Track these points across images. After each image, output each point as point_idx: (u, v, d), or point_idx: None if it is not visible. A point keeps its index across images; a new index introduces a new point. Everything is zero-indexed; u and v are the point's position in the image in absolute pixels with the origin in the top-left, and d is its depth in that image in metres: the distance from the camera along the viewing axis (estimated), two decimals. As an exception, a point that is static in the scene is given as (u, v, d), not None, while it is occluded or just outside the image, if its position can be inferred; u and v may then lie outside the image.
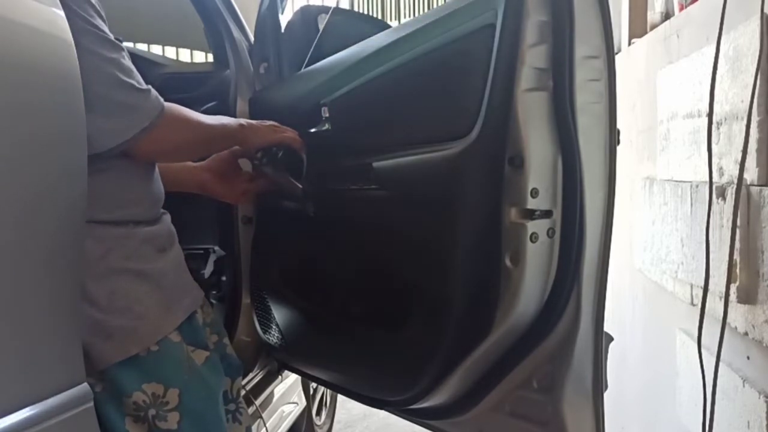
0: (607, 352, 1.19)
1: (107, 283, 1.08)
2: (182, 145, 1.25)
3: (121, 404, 1.09)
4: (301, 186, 1.43)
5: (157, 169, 1.24)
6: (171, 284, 1.17)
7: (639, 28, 2.63)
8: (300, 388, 2.43)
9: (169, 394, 1.12)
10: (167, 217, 1.24)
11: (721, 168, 1.47)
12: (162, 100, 1.15)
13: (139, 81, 1.11)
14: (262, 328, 1.74)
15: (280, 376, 2.11)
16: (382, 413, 1.98)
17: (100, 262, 1.07)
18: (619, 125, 1.15)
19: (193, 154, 1.40)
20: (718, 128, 1.48)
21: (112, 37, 1.09)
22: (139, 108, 1.10)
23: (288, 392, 2.29)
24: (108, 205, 1.10)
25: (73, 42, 0.95)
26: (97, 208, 1.06)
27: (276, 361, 1.80)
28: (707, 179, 1.43)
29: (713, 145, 1.44)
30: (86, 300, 1.04)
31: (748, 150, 1.32)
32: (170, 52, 3.48)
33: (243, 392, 1.37)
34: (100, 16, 1.08)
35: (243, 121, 1.45)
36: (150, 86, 1.13)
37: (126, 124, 1.09)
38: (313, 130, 1.47)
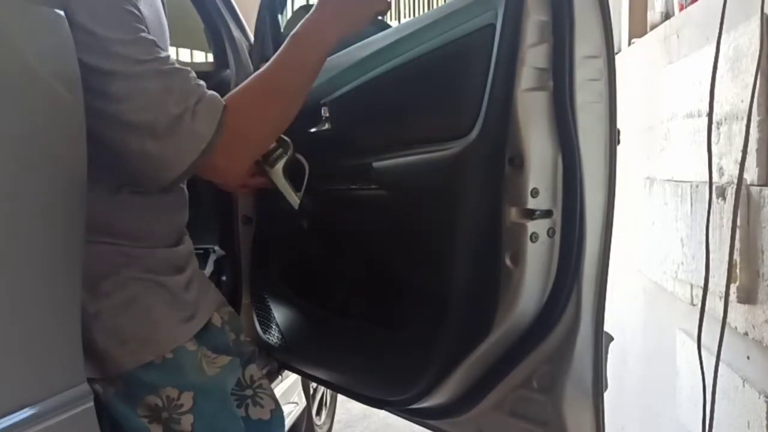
0: (607, 352, 1.19)
1: (125, 291, 1.08)
2: (268, 123, 1.14)
3: (135, 406, 1.09)
4: (298, 200, 1.40)
5: (186, 197, 1.23)
6: (188, 295, 1.17)
7: (639, 28, 2.64)
8: (300, 388, 2.43)
9: (183, 397, 1.11)
10: (188, 238, 1.24)
11: (721, 168, 1.47)
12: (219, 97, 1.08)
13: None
14: (262, 328, 1.74)
15: (280, 376, 2.11)
16: (382, 413, 1.98)
17: (119, 271, 1.08)
18: (619, 125, 1.15)
19: (289, 116, 1.16)
20: (718, 128, 1.48)
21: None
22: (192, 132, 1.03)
23: (288, 392, 2.29)
24: (133, 236, 1.11)
25: (73, 43, 0.95)
26: (121, 237, 1.09)
27: (276, 361, 1.79)
28: (707, 179, 1.44)
29: (713, 145, 1.44)
30: (103, 306, 1.05)
31: (748, 150, 1.32)
32: (170, 52, 3.47)
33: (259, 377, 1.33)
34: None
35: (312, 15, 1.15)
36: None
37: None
38: (313, 129, 1.47)
